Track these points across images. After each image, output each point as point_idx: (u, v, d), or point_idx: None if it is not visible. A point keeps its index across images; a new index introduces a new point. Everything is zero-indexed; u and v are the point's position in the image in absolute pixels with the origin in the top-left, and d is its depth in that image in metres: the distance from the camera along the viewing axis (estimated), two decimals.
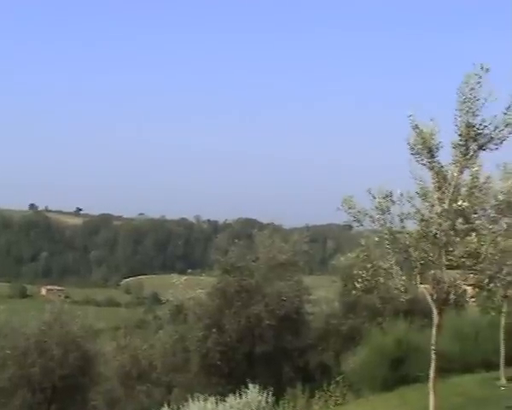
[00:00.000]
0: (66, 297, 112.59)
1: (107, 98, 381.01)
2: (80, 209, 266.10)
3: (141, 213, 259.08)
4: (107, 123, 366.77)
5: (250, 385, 20.83)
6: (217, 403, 20.15)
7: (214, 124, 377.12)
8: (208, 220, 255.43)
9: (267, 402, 20.46)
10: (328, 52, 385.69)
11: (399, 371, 22.18)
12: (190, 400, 20.55)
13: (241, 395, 20.49)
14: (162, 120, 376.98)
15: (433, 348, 13.67)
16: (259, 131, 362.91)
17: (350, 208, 13.32)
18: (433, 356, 13.64)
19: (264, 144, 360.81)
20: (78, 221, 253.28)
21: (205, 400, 20.31)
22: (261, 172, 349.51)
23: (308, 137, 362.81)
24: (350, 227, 13.89)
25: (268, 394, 20.57)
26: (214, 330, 26.93)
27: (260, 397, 20.35)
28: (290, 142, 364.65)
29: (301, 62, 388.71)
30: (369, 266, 13.65)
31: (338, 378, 22.88)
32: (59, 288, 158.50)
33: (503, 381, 20.63)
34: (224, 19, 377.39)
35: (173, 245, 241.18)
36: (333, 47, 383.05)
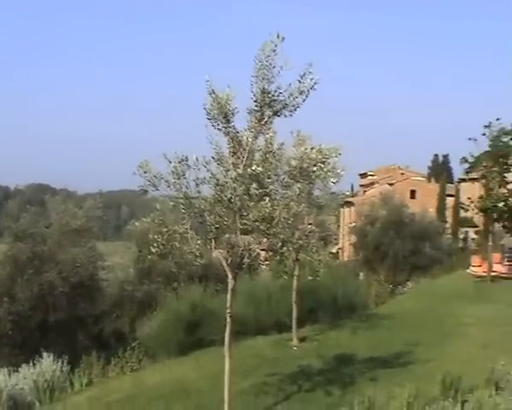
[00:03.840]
0: None
1: None
2: None
3: None
4: None
5: (44, 354, 20.33)
6: (9, 374, 19.46)
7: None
8: None
9: (62, 371, 20.08)
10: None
11: (195, 335, 22.39)
12: None
13: (34, 364, 19.96)
14: None
15: (228, 311, 13.81)
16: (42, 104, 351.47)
17: (145, 173, 13.10)
18: (229, 320, 13.79)
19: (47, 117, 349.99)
20: None
21: None
22: (53, 138, 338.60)
23: (96, 108, 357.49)
24: (145, 192, 13.64)
25: (63, 363, 20.20)
26: (6, 298, 25.91)
27: (55, 366, 19.96)
28: (75, 114, 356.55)
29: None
30: (164, 230, 13.54)
31: (134, 344, 22.72)
32: None
33: (296, 342, 21.41)
34: None
35: None
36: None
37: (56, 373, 19.88)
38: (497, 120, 32.98)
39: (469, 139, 32.57)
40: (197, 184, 13.20)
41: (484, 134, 32.81)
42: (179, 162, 12.93)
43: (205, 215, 13.31)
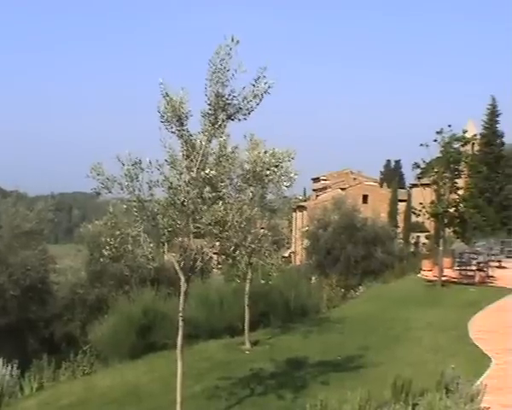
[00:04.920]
0: None
1: None
2: None
3: None
4: None
5: None
6: None
7: None
8: None
9: (11, 376, 19.72)
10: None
11: (147, 338, 22.28)
12: None
13: None
14: None
15: (180, 315, 13.77)
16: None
17: (98, 175, 12.99)
18: (181, 323, 13.75)
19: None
20: None
21: None
22: (3, 138, 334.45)
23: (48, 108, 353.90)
24: (97, 195, 13.51)
25: (12, 367, 19.82)
26: None
27: (4, 371, 19.57)
28: (26, 114, 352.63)
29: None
30: (117, 233, 13.44)
31: (85, 348, 22.55)
32: None
33: (248, 345, 21.44)
34: None
35: None
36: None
37: (6, 378, 19.51)
38: (449, 126, 33.50)
39: (421, 145, 32.94)
40: (150, 187, 13.12)
41: (435, 140, 33.25)
42: (132, 165, 12.85)
43: (158, 218, 13.25)
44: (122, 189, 13.09)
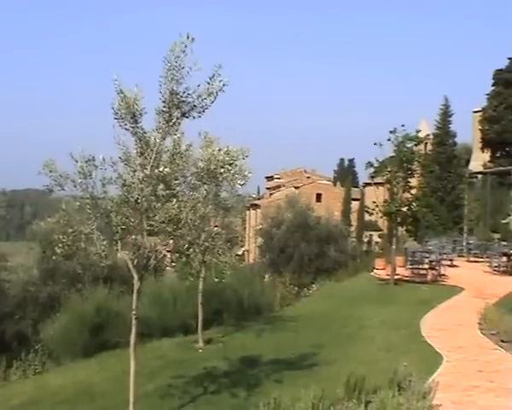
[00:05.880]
0: None
1: None
2: None
3: None
4: None
5: None
6: None
7: None
8: None
9: None
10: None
11: (100, 337, 22.11)
12: None
13: None
14: None
15: (133, 313, 13.70)
16: None
17: (51, 172, 12.84)
18: (134, 321, 13.68)
19: None
20: None
21: None
22: None
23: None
24: (50, 192, 13.35)
25: None
26: None
27: None
28: None
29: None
30: (69, 230, 13.31)
31: (37, 347, 22.32)
32: None
33: (201, 344, 21.42)
34: None
35: None
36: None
37: None
38: (402, 126, 33.78)
39: (375, 144, 33.14)
40: (104, 185, 13.03)
41: (389, 139, 33.48)
42: (86, 162, 12.74)
43: (111, 216, 13.16)
44: (75, 186, 12.97)
